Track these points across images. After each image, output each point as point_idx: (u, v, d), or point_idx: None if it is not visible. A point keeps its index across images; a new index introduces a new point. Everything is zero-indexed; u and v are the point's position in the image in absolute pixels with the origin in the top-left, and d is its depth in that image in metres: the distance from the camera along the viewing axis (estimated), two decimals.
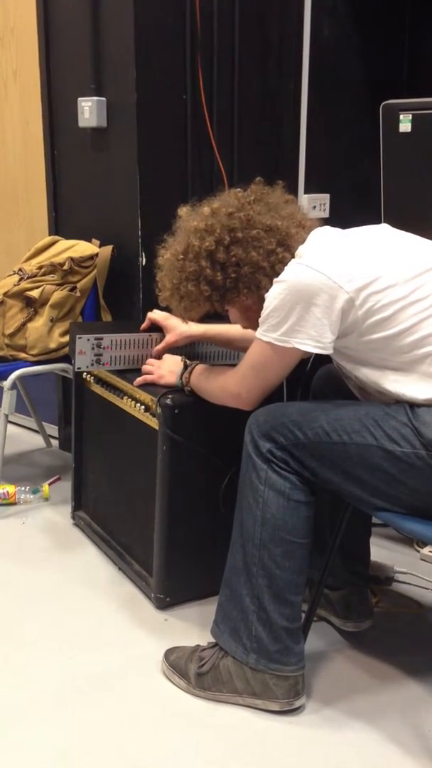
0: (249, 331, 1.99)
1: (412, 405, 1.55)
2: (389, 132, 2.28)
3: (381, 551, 2.35)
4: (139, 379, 2.06)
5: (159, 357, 2.13)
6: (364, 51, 3.12)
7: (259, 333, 1.63)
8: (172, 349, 2.15)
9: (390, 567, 2.23)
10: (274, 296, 1.58)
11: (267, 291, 1.63)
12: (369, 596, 2.01)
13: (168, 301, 1.79)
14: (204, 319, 2.01)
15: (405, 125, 2.26)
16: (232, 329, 2.04)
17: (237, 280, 1.68)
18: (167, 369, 2.02)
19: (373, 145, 2.34)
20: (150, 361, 2.11)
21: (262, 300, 1.64)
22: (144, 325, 2.19)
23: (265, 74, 2.89)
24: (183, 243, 1.71)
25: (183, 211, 1.78)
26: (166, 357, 2.08)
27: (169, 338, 2.12)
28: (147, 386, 2.05)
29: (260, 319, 1.62)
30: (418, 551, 2.38)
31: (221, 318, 1.90)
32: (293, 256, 1.65)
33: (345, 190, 3.13)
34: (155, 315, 2.16)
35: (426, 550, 2.36)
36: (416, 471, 1.51)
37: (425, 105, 2.24)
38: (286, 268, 1.60)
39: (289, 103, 2.95)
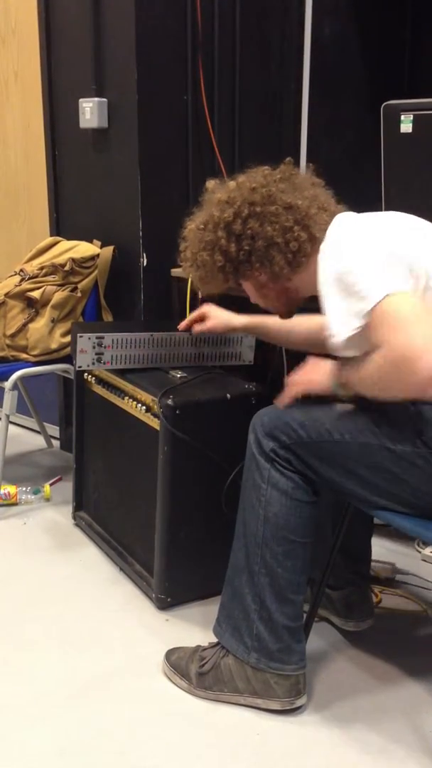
0: (290, 322, 1.98)
1: (415, 402, 1.54)
2: (390, 132, 2.28)
3: (382, 551, 2.35)
4: (286, 396, 1.71)
5: (186, 330, 2.15)
6: (365, 51, 3.12)
7: (362, 309, 1.44)
8: (202, 334, 2.17)
9: (391, 567, 2.23)
10: (333, 274, 1.49)
11: (280, 269, 1.63)
12: (370, 596, 2.01)
13: (188, 272, 1.80)
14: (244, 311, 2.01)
15: (406, 126, 2.26)
16: (271, 320, 2.02)
17: (250, 253, 1.67)
18: (317, 372, 1.69)
19: (374, 146, 2.34)
20: (291, 380, 1.74)
21: (277, 278, 1.64)
22: (191, 317, 2.17)
23: (266, 74, 2.89)
24: (206, 214, 1.72)
25: (210, 184, 1.79)
26: (310, 362, 1.74)
27: (209, 323, 2.12)
28: (147, 383, 2.05)
29: (343, 307, 1.48)
30: (420, 551, 2.37)
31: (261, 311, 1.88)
32: (311, 236, 1.64)
33: (346, 190, 3.12)
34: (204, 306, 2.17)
35: (427, 551, 2.35)
36: (418, 470, 1.51)
37: (426, 105, 2.24)
38: (319, 256, 1.56)
39: (290, 103, 2.95)
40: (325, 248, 1.56)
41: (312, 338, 1.97)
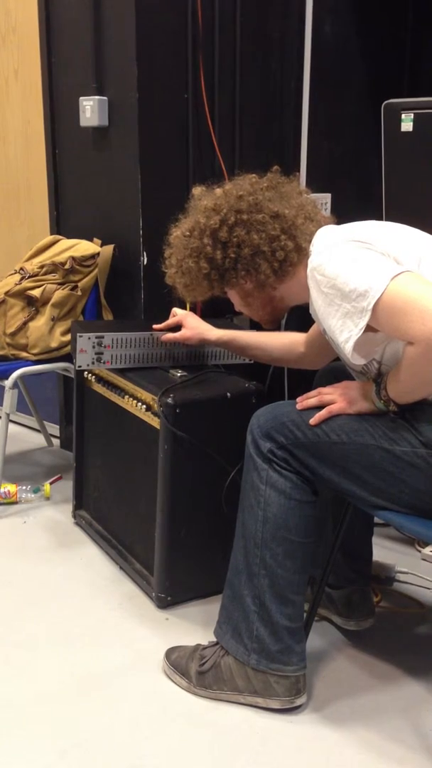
0: (263, 338, 1.99)
1: (412, 404, 1.54)
2: (391, 131, 2.28)
3: (382, 551, 2.35)
4: (319, 415, 1.60)
5: (167, 343, 2.13)
6: (365, 50, 3.12)
7: (365, 307, 1.42)
8: (177, 345, 2.15)
9: (391, 566, 2.23)
10: (333, 275, 1.47)
11: (266, 277, 1.63)
12: (371, 595, 2.01)
13: (173, 279, 1.80)
14: (222, 325, 2.01)
15: (407, 124, 2.26)
16: (246, 335, 2.04)
17: (236, 260, 1.68)
18: (355, 394, 1.61)
19: (375, 145, 2.34)
20: (323, 390, 1.65)
21: (262, 286, 1.64)
22: (168, 322, 2.15)
23: (266, 73, 2.89)
24: (192, 221, 1.73)
25: (197, 191, 1.79)
26: (344, 384, 1.66)
27: (185, 332, 2.08)
28: (148, 382, 2.05)
29: (343, 311, 1.46)
30: (419, 551, 2.38)
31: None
32: (297, 246, 1.65)
33: (347, 189, 3.13)
34: (178, 310, 2.16)
35: (427, 550, 2.36)
36: (416, 470, 1.51)
37: (427, 104, 2.24)
38: (311, 258, 1.56)
39: (291, 102, 2.94)
40: (311, 264, 1.55)
41: (285, 354, 1.99)
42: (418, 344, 1.38)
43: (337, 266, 1.48)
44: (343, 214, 3.01)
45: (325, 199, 3.02)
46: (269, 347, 2.02)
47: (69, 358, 2.63)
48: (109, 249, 2.73)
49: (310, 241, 1.65)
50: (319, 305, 1.52)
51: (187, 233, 1.72)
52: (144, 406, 2.06)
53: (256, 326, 2.06)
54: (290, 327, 2.14)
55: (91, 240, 2.76)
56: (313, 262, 1.55)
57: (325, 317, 1.51)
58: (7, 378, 2.54)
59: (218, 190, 1.73)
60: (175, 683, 1.78)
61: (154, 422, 2.01)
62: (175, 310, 2.16)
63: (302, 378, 2.46)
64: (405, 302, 1.39)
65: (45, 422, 3.24)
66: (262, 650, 1.67)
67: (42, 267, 2.67)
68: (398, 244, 1.53)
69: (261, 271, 1.66)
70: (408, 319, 1.38)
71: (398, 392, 1.51)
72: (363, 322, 1.44)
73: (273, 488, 1.63)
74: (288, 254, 1.65)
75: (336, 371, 1.90)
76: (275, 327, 1.87)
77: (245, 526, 1.68)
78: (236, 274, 1.70)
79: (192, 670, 1.76)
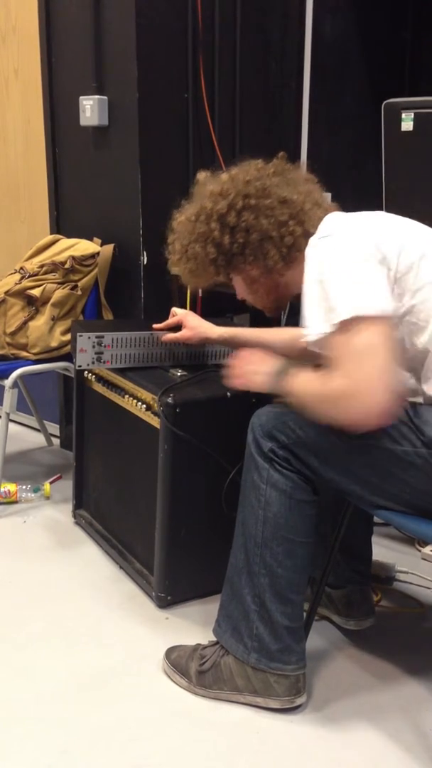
0: (264, 335, 1.98)
1: (414, 403, 1.54)
2: (391, 131, 2.28)
3: (382, 550, 2.35)
4: (236, 383, 1.72)
5: (167, 343, 2.11)
6: (365, 49, 3.12)
7: (321, 326, 1.44)
8: (177, 344, 2.14)
9: (391, 566, 2.23)
10: (311, 280, 1.48)
11: (274, 263, 1.61)
12: (371, 595, 2.01)
13: (176, 266, 1.78)
14: (220, 323, 2.00)
15: (407, 124, 2.26)
16: (247, 332, 2.03)
17: (244, 246, 1.66)
18: (258, 370, 1.66)
19: (375, 144, 2.34)
20: (235, 360, 1.73)
21: (269, 272, 1.62)
22: (168, 321, 2.14)
23: (266, 72, 2.89)
24: (197, 206, 1.71)
25: (202, 176, 1.78)
26: (251, 354, 1.73)
27: (185, 333, 2.08)
28: (148, 382, 2.05)
29: (311, 314, 1.47)
30: (419, 550, 2.38)
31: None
32: (305, 232, 1.64)
33: (346, 188, 3.13)
34: (178, 309, 2.15)
35: (427, 550, 2.36)
36: (417, 470, 1.51)
37: (427, 104, 2.24)
38: (307, 250, 1.55)
39: (291, 101, 2.94)
40: (310, 250, 1.54)
41: (287, 349, 1.98)
42: (345, 388, 1.40)
43: (333, 268, 1.48)
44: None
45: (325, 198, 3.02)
46: (271, 342, 2.01)
47: (69, 357, 2.63)
48: (109, 248, 2.73)
49: (317, 228, 1.64)
50: (305, 288, 1.52)
51: (193, 218, 1.70)
52: (144, 406, 2.06)
53: (256, 325, 2.06)
54: (290, 323, 2.13)
55: (91, 239, 2.75)
56: (310, 252, 1.53)
57: (304, 301, 1.51)
58: (7, 377, 2.54)
59: (224, 175, 1.72)
60: (175, 683, 1.78)
61: (154, 422, 2.01)
62: (175, 309, 2.16)
63: None
64: (356, 346, 1.40)
65: (45, 422, 3.24)
66: (261, 649, 1.67)
67: (42, 266, 2.67)
68: (402, 240, 1.53)
69: (269, 256, 1.65)
70: (348, 358, 1.40)
71: (298, 397, 1.54)
72: (326, 329, 1.44)
73: (274, 488, 1.63)
74: (296, 240, 1.64)
75: None
76: (278, 315, 1.86)
77: (245, 525, 1.68)
78: (244, 259, 1.69)
79: (192, 669, 1.76)
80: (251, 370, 1.67)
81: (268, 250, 1.65)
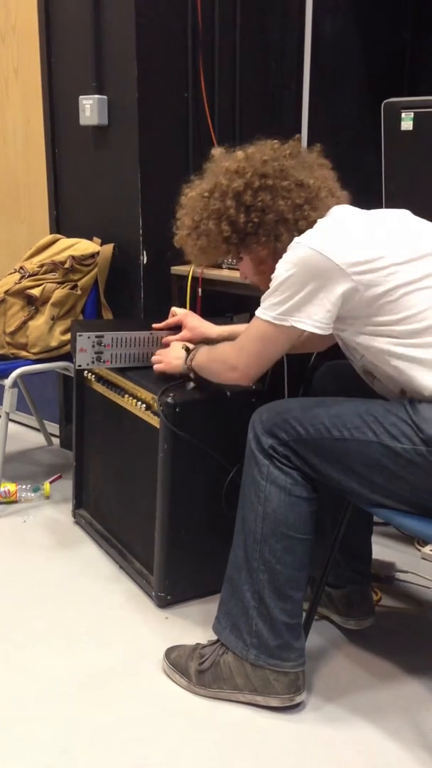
0: None
1: (413, 400, 1.54)
2: (391, 130, 2.28)
3: (382, 550, 2.35)
4: (155, 368, 2.03)
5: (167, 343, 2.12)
6: (365, 49, 3.12)
7: (260, 311, 1.61)
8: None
9: (391, 565, 2.23)
10: (276, 276, 1.57)
11: (284, 245, 1.61)
12: (370, 595, 2.01)
13: (184, 241, 1.77)
14: (218, 321, 2.01)
15: (407, 123, 2.25)
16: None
17: (259, 225, 1.66)
18: (173, 356, 1.99)
19: (375, 143, 2.34)
20: (158, 351, 2.07)
21: (277, 255, 1.62)
22: (168, 321, 2.15)
23: (266, 72, 2.89)
24: (211, 182, 1.70)
25: (217, 152, 1.77)
26: (172, 345, 2.04)
27: (184, 334, 2.08)
28: (148, 381, 2.05)
29: (262, 297, 1.61)
30: (419, 550, 2.38)
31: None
32: (316, 219, 1.64)
33: (346, 188, 3.12)
34: (178, 309, 2.15)
35: (427, 549, 2.36)
36: (416, 468, 1.51)
37: (427, 103, 2.24)
38: (289, 248, 1.58)
39: (291, 101, 2.94)
40: (292, 245, 1.58)
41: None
42: (235, 368, 1.71)
43: (288, 267, 1.55)
44: None
45: None
46: None
47: (69, 357, 2.63)
48: (108, 248, 2.73)
49: (324, 217, 1.64)
50: (277, 268, 1.59)
51: (206, 194, 1.69)
52: (144, 405, 2.06)
53: None
54: None
55: (90, 239, 2.75)
56: (295, 248, 1.56)
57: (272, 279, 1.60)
58: (6, 377, 2.54)
59: (239, 153, 1.71)
60: (175, 682, 1.78)
61: (154, 421, 2.01)
62: (175, 309, 2.16)
63: (302, 377, 2.46)
64: (252, 337, 1.64)
65: (45, 421, 3.24)
66: (260, 645, 1.67)
67: (42, 266, 2.67)
68: (404, 239, 1.55)
69: (282, 239, 1.65)
70: (246, 342, 1.67)
71: (199, 367, 1.88)
72: (262, 315, 1.61)
73: (273, 484, 1.63)
74: (309, 225, 1.63)
75: (336, 370, 1.90)
76: None
77: (245, 522, 1.68)
78: (257, 239, 1.68)
79: (191, 668, 1.76)
80: (171, 356, 1.99)
81: (281, 233, 1.65)
